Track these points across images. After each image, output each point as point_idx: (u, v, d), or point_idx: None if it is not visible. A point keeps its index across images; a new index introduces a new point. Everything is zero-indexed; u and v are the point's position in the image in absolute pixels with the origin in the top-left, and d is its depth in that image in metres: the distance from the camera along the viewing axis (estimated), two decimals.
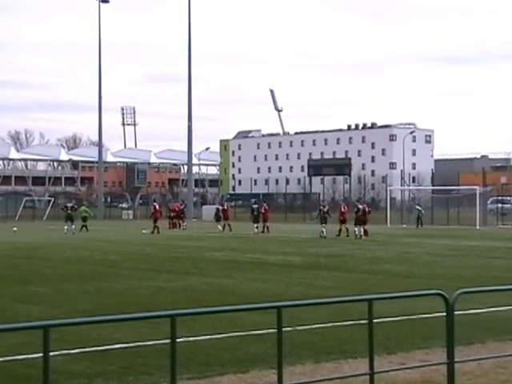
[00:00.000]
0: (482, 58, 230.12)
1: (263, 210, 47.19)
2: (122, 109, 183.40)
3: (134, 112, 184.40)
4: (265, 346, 9.74)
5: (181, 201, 61.27)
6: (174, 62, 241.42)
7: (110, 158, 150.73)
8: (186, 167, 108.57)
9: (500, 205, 60.80)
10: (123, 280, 19.07)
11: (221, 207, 51.95)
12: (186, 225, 51.71)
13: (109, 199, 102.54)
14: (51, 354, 5.20)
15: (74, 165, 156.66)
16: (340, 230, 41.16)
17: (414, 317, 12.36)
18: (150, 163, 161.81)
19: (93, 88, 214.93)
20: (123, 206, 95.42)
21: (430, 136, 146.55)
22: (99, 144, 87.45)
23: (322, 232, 40.29)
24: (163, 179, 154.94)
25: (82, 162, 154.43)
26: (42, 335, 5.13)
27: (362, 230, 40.69)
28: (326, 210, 43.50)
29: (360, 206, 42.20)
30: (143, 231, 45.52)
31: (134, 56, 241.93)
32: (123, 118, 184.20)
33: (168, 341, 5.57)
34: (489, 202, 61.59)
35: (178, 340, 5.57)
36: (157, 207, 49.28)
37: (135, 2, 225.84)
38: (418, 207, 56.62)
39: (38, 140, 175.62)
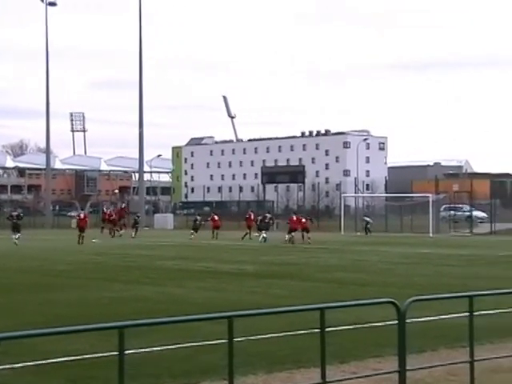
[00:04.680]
0: (434, 66, 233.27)
1: (216, 217, 50.23)
2: (71, 115, 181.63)
3: (84, 118, 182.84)
4: (217, 357, 9.61)
5: (122, 204, 60.58)
6: (125, 67, 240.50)
7: (58, 165, 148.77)
8: (137, 175, 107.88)
9: (452, 212, 61.51)
10: (73, 290, 18.74)
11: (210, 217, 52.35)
12: (122, 232, 50.50)
13: (57, 207, 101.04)
14: None
15: (21, 172, 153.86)
16: (290, 238, 42.61)
17: (368, 325, 12.36)
18: (100, 170, 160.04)
19: (41, 93, 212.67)
20: (72, 214, 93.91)
21: (383, 143, 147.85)
22: (47, 150, 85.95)
23: (261, 237, 43.41)
24: (114, 187, 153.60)
25: (29, 169, 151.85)
26: None
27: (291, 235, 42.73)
28: (269, 217, 46.71)
29: (294, 216, 45.13)
30: (93, 240, 44.66)
31: (84, 61, 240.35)
32: (72, 125, 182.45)
33: (116, 353, 5.44)
34: (441, 209, 62.30)
35: (128, 352, 5.44)
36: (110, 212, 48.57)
37: (84, 6, 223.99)
38: (365, 218, 57.02)
39: None
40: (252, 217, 48.92)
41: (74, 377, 9.12)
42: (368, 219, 56.41)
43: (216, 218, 50.95)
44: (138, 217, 56.32)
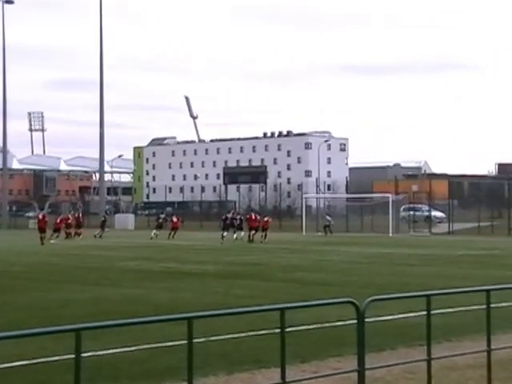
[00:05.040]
0: (395, 69, 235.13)
1: (175, 219, 50.78)
2: (30, 114, 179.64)
3: (43, 117, 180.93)
4: (177, 358, 9.56)
5: (75, 209, 60.04)
6: (86, 67, 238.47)
7: (15, 165, 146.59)
8: (97, 175, 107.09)
9: (412, 212, 62.06)
10: (29, 292, 18.45)
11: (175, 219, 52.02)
12: (81, 237, 49.34)
13: (14, 208, 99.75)
14: None
15: None
16: (249, 236, 43.87)
17: (328, 324, 12.41)
18: (59, 170, 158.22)
19: None
20: (30, 214, 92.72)
21: (344, 144, 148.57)
22: (4, 150, 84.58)
23: (223, 237, 43.85)
24: (74, 187, 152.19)
25: None
26: None
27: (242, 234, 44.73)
28: (230, 217, 46.88)
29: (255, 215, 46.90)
30: (51, 241, 44.07)
31: (43, 60, 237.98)
32: (30, 124, 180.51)
33: (73, 356, 5.39)
34: (401, 209, 62.86)
35: (85, 354, 5.40)
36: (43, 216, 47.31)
37: (43, 5, 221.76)
38: (327, 217, 57.37)
39: None
40: (253, 217, 46.73)
41: (28, 382, 8.98)
42: (329, 218, 56.74)
43: (175, 219, 51.06)
44: (105, 216, 55.76)
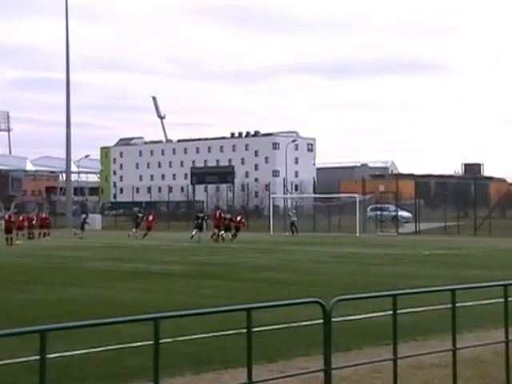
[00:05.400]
0: (361, 69, 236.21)
1: (151, 218, 51.03)
2: None
3: (8, 117, 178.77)
4: (144, 359, 9.52)
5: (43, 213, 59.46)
6: (51, 66, 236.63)
7: None
8: (64, 175, 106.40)
9: (379, 212, 62.38)
10: None
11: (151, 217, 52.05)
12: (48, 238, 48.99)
13: None
14: None
15: None
16: (214, 234, 44.58)
17: (295, 324, 12.44)
18: (25, 170, 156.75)
19: None
20: None
21: (311, 144, 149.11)
22: None
23: (193, 236, 44.47)
24: (40, 187, 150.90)
25: None
26: None
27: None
28: (202, 216, 47.32)
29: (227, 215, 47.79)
30: (17, 242, 43.63)
31: (7, 59, 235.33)
32: None
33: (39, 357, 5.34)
34: (368, 209, 63.18)
35: (51, 355, 5.36)
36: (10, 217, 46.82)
37: (8, 3, 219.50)
38: (290, 213, 57.58)
39: None
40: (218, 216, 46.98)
41: None
42: (291, 214, 57.03)
43: (150, 218, 51.28)
44: (85, 217, 55.36)
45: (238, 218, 47.40)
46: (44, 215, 53.65)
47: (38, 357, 5.23)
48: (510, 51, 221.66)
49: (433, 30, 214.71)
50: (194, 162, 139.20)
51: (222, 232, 44.28)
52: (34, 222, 49.88)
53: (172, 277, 22.52)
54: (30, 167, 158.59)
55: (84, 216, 55.52)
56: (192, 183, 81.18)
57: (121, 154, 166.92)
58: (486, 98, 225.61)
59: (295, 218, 56.89)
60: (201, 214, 47.87)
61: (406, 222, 63.14)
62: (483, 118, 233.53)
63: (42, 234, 49.55)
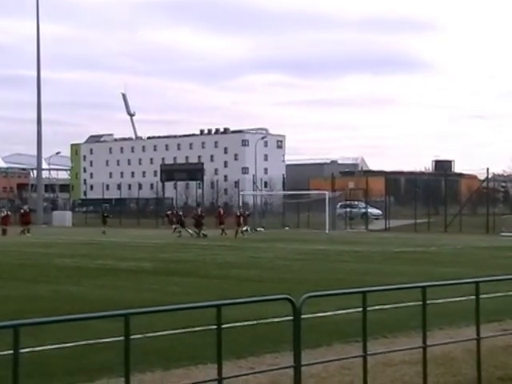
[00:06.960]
0: (332, 66, 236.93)
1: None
2: None
3: None
4: (113, 354, 9.50)
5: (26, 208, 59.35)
6: (23, 63, 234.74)
7: None
8: (35, 172, 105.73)
9: (348, 209, 62.67)
10: None
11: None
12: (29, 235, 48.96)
13: None
14: None
15: None
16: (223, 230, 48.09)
17: (265, 321, 12.48)
18: None
19: None
20: None
21: (281, 141, 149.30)
22: None
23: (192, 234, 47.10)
24: (11, 184, 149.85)
25: None
26: None
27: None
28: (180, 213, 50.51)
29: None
30: None
31: None
32: None
33: (11, 352, 5.35)
34: (337, 206, 63.42)
35: (22, 350, 5.35)
36: None
37: None
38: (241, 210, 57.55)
39: None
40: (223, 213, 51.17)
41: None
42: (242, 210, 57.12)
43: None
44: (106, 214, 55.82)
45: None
46: (23, 211, 53.49)
47: (9, 352, 5.24)
48: (480, 46, 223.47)
49: (404, 26, 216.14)
50: (163, 159, 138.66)
51: (246, 227, 48.53)
52: (7, 219, 50.11)
53: (141, 274, 22.48)
54: (1, 164, 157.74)
55: (103, 212, 57.95)
56: (161, 180, 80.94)
57: (91, 151, 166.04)
58: (457, 95, 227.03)
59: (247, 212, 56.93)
60: (180, 212, 51.28)
61: (376, 219, 63.38)
62: (454, 115, 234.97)
63: (22, 230, 49.35)
